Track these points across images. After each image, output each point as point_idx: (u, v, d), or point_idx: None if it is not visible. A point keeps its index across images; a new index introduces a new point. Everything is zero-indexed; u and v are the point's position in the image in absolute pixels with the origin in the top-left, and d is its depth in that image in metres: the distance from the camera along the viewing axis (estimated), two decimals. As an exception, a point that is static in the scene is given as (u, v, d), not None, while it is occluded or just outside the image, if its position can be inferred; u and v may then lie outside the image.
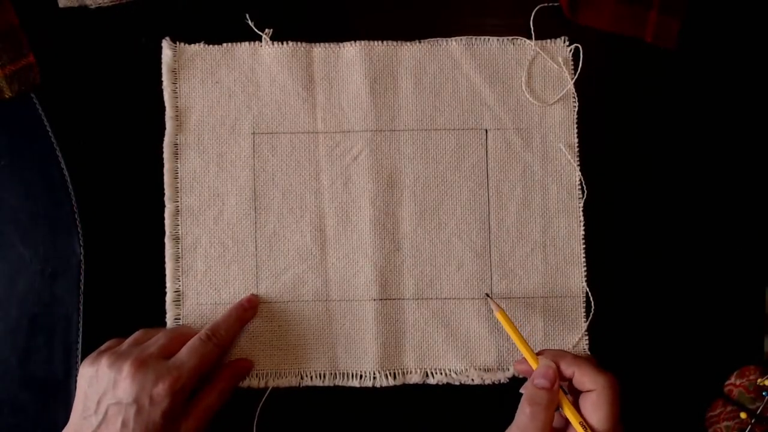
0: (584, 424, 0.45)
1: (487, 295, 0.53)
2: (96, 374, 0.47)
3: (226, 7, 0.54)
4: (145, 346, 0.48)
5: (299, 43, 0.54)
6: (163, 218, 0.53)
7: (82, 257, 0.52)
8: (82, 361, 0.50)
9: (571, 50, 0.54)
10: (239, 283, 0.53)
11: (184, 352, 0.48)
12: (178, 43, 0.54)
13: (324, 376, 0.53)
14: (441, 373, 0.53)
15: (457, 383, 0.53)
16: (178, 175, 0.54)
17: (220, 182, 0.54)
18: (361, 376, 0.53)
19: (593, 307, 0.53)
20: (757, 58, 0.55)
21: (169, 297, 0.53)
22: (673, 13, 0.54)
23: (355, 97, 0.54)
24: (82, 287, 0.52)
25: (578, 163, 0.54)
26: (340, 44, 0.54)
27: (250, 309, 0.52)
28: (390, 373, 0.53)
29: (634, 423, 0.53)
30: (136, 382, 0.45)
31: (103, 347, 0.50)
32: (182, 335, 0.50)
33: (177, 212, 0.53)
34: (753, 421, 0.51)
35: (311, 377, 0.53)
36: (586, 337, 0.53)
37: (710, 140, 0.55)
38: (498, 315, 0.51)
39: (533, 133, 0.54)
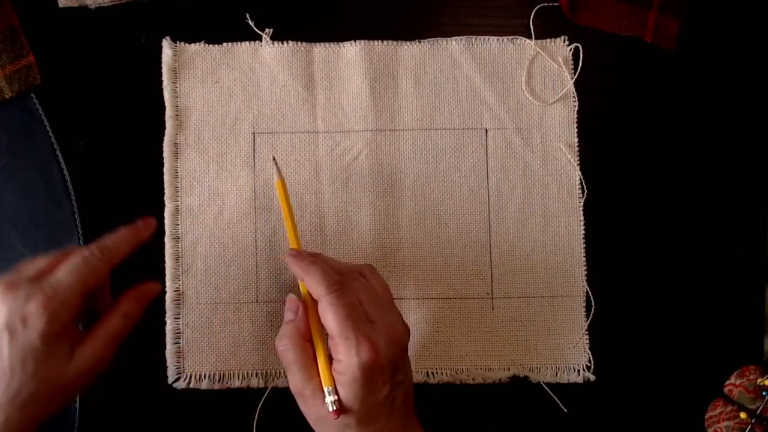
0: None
1: (274, 159, 0.51)
2: None
3: (226, 6, 0.54)
4: (20, 269, 0.44)
5: (299, 42, 0.54)
6: (163, 218, 0.53)
7: (81, 257, 0.52)
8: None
9: (570, 50, 0.55)
10: (239, 282, 0.53)
11: (61, 269, 0.43)
12: (178, 42, 0.54)
13: (324, 376, 0.53)
14: (441, 373, 0.53)
15: (458, 383, 0.53)
16: (178, 174, 0.53)
17: (220, 182, 0.54)
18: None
19: (593, 307, 0.53)
20: (756, 57, 0.55)
21: (168, 296, 0.53)
22: (673, 13, 0.54)
23: (355, 96, 0.54)
24: (82, 286, 0.52)
25: (578, 162, 0.54)
26: (341, 44, 0.54)
27: (145, 230, 0.48)
28: (390, 373, 0.53)
29: (634, 423, 0.53)
30: (5, 306, 0.41)
31: None
32: (65, 256, 0.44)
33: (177, 212, 0.53)
34: (753, 421, 0.51)
35: (311, 377, 0.53)
36: (587, 337, 0.53)
37: (710, 139, 0.55)
38: (277, 184, 0.49)
39: (533, 132, 0.54)
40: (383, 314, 0.44)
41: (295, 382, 0.45)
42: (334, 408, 0.42)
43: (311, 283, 0.44)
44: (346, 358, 0.42)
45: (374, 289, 0.46)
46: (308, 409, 0.45)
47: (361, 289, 0.45)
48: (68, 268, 0.43)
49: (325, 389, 0.43)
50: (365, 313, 0.43)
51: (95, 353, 0.43)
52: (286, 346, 0.45)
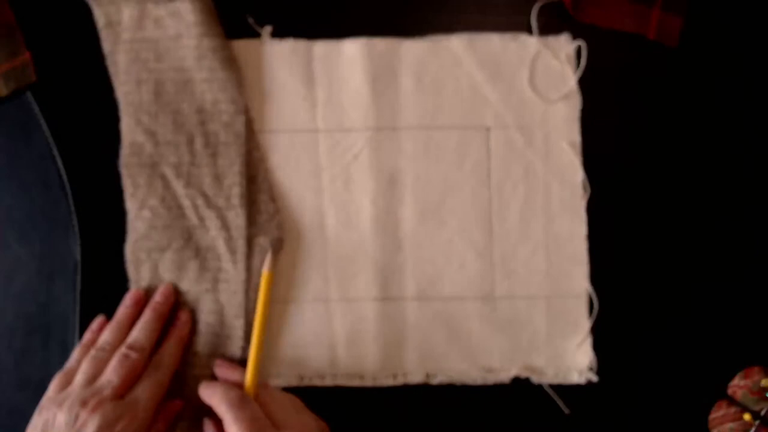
0: None
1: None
2: (51, 424, 0.44)
3: (226, 3, 0.53)
4: (98, 388, 0.46)
5: (299, 40, 0.54)
6: (162, 217, 0.53)
7: (79, 256, 0.52)
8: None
9: (574, 47, 0.54)
10: (238, 283, 0.53)
11: (138, 387, 0.46)
12: (176, 40, 0.53)
13: (324, 376, 0.52)
14: (443, 374, 0.52)
15: (459, 383, 0.52)
16: (177, 173, 0.53)
17: (219, 181, 0.53)
18: (361, 376, 0.52)
19: (596, 307, 0.53)
20: (759, 54, 0.55)
21: (167, 297, 0.52)
22: (676, 11, 0.54)
23: (355, 94, 0.54)
24: (79, 287, 0.52)
25: (581, 161, 0.54)
26: (341, 41, 0.54)
27: (185, 327, 0.51)
28: (391, 374, 0.52)
29: (637, 424, 0.53)
30: (94, 425, 0.43)
31: (49, 392, 0.47)
32: (132, 371, 0.47)
33: (175, 211, 0.53)
34: (757, 422, 0.51)
35: (311, 377, 0.52)
36: (590, 338, 0.53)
37: (714, 138, 0.55)
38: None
39: (536, 131, 0.54)
40: (293, 417, 0.47)
41: None
42: None
43: (213, 403, 0.46)
44: None
45: (281, 398, 0.48)
46: None
47: (267, 401, 0.47)
48: (143, 387, 0.46)
49: None
50: (272, 422, 0.46)
51: None
52: None
